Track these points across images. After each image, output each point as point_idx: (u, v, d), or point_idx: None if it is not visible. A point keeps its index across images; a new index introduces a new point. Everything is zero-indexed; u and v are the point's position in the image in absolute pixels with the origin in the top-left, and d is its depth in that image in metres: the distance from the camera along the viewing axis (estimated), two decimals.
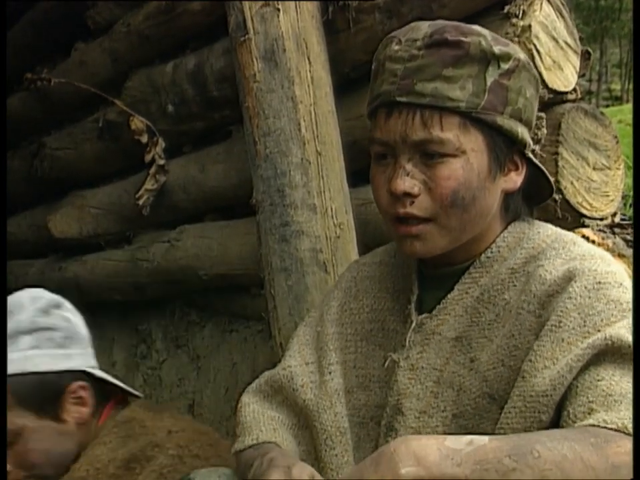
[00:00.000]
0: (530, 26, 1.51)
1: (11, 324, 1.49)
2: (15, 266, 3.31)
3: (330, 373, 1.27)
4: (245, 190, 1.89)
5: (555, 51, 1.55)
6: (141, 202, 2.35)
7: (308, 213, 1.67)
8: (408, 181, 1.09)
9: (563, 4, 1.57)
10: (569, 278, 1.06)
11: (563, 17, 1.57)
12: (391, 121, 1.10)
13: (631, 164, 3.10)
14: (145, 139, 2.35)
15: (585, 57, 1.64)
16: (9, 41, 3.08)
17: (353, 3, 1.77)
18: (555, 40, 1.55)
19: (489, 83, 1.08)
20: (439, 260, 1.18)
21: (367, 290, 1.30)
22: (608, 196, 1.61)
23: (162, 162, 2.34)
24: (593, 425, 0.91)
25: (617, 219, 1.65)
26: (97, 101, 2.60)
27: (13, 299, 1.54)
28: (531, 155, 1.15)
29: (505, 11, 1.55)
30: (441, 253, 1.16)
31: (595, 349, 0.99)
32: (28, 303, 1.52)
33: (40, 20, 2.88)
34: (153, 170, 2.34)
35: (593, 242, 1.59)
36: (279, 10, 1.71)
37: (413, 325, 1.19)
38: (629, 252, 1.62)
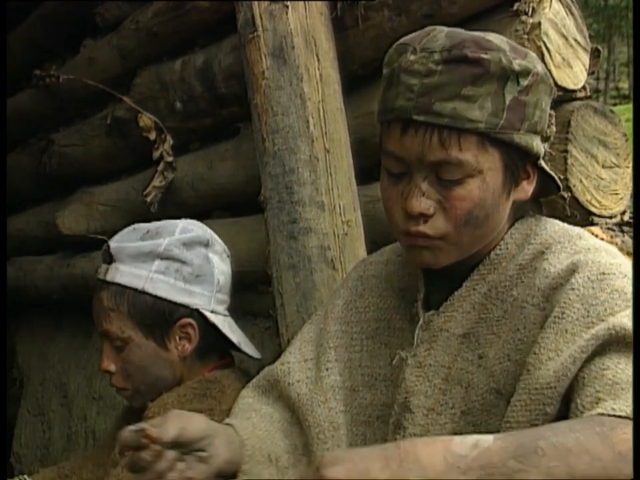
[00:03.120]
0: (539, 23, 1.50)
1: (153, 244, 1.56)
2: (24, 262, 3.32)
3: (327, 369, 1.28)
4: (253, 187, 1.89)
5: (565, 49, 1.55)
6: (148, 199, 2.35)
7: (316, 210, 1.67)
8: (424, 201, 1.08)
9: (572, 1, 1.57)
10: (572, 270, 1.06)
11: (572, 14, 1.56)
12: (407, 139, 1.07)
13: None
14: (153, 135, 2.35)
15: (595, 54, 1.64)
16: (18, 37, 3.09)
17: (362, 0, 1.77)
18: (565, 37, 1.55)
19: (507, 101, 1.06)
20: None
21: (373, 288, 1.31)
22: (617, 194, 1.61)
23: (170, 159, 2.34)
24: (601, 414, 0.91)
25: (626, 217, 1.64)
26: (106, 98, 2.60)
27: (169, 224, 1.62)
28: (543, 164, 1.14)
29: (515, 8, 1.54)
30: None
31: (599, 339, 0.98)
32: (177, 231, 1.58)
33: (49, 17, 2.89)
34: (160, 167, 2.34)
35: (602, 240, 1.59)
36: (287, 7, 1.71)
37: (420, 322, 1.19)
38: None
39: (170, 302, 1.54)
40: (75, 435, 3.03)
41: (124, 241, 1.60)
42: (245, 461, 1.20)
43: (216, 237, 1.65)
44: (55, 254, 3.14)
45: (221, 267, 1.61)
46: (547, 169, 1.16)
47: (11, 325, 3.51)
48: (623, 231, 1.63)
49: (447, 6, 1.62)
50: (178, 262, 1.55)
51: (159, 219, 1.69)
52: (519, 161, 1.11)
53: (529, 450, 0.87)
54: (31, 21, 3.01)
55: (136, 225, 1.65)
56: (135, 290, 1.54)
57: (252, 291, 2.16)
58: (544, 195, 1.25)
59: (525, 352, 1.06)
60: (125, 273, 1.56)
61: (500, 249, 1.16)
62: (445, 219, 1.09)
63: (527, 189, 1.14)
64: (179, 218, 1.85)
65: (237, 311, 2.26)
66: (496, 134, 1.06)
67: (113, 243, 1.60)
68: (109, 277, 1.57)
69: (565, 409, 0.99)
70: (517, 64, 1.06)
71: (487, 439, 0.89)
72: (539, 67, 1.10)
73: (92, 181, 2.88)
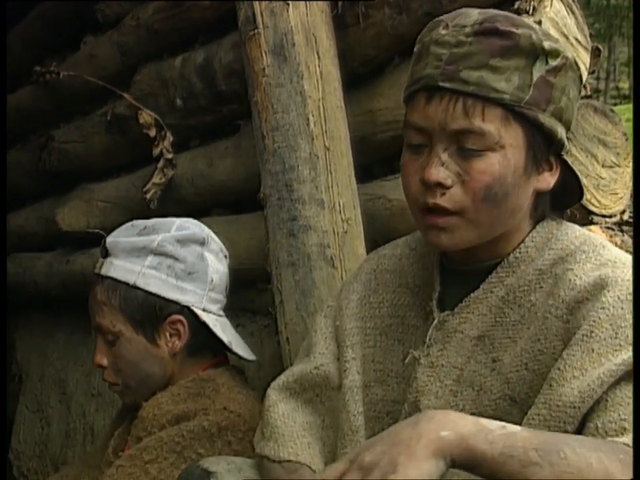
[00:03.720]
0: (540, 22, 1.50)
1: (148, 239, 1.57)
2: (23, 258, 3.32)
3: (345, 370, 1.26)
4: (253, 184, 1.89)
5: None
6: (148, 196, 2.35)
7: (316, 208, 1.67)
8: (442, 171, 1.06)
9: (573, 0, 1.57)
10: (600, 286, 1.04)
11: (573, 13, 1.56)
12: (431, 107, 1.07)
13: None
14: (153, 132, 2.35)
15: (595, 53, 1.64)
16: (19, 34, 3.09)
17: None
18: (565, 36, 1.55)
19: (535, 78, 1.06)
20: (464, 256, 1.17)
21: (387, 284, 1.29)
22: (617, 194, 1.61)
23: (170, 156, 2.34)
24: (626, 444, 0.91)
25: (625, 217, 1.64)
26: (106, 95, 2.60)
27: (167, 221, 1.63)
28: (566, 157, 1.13)
29: (516, 6, 1.54)
30: (466, 249, 1.14)
31: (629, 365, 0.97)
32: (174, 228, 1.60)
33: (49, 13, 2.88)
34: (160, 164, 2.34)
35: None
36: (288, 4, 1.71)
37: (435, 322, 1.18)
38: None
39: (161, 298, 1.55)
40: (73, 432, 3.03)
41: (121, 236, 1.61)
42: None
43: (213, 236, 1.65)
44: (54, 250, 3.14)
45: (215, 266, 1.61)
46: (571, 163, 1.15)
47: (10, 321, 3.51)
48: (622, 230, 1.64)
49: (447, 4, 1.62)
50: (171, 258, 1.56)
51: (158, 216, 1.70)
52: (542, 144, 1.09)
53: (552, 449, 0.87)
54: (32, 17, 3.00)
55: (135, 221, 1.65)
56: (127, 284, 1.55)
57: (251, 288, 2.16)
58: (568, 202, 1.23)
59: (544, 363, 1.06)
60: (118, 268, 1.56)
61: (519, 252, 1.14)
62: (463, 192, 1.07)
63: (549, 180, 1.12)
64: (178, 215, 1.86)
65: (236, 308, 2.26)
66: (521, 108, 1.05)
67: (110, 238, 1.61)
68: (103, 271, 1.58)
69: (580, 426, 0.99)
70: (547, 44, 1.06)
71: (515, 427, 0.90)
72: (569, 54, 1.10)
73: (92, 178, 2.87)
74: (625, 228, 1.64)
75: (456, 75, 1.05)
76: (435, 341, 1.17)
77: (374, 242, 1.72)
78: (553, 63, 1.07)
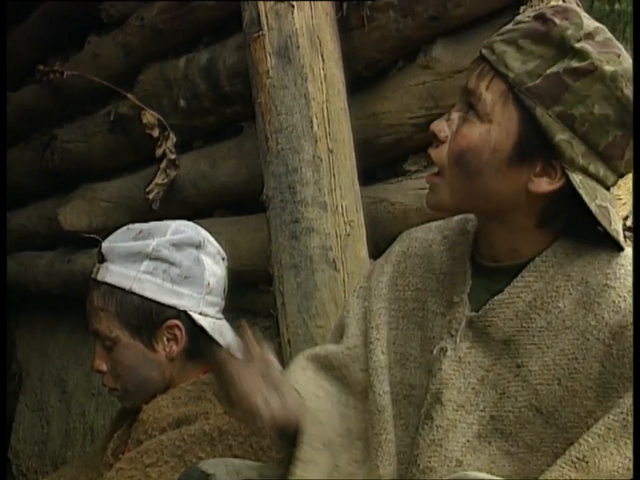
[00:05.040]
0: None
1: (143, 244, 1.56)
2: (25, 257, 3.31)
3: (370, 351, 1.26)
4: (256, 186, 1.88)
5: None
6: (151, 196, 2.35)
7: (318, 210, 1.67)
8: (442, 124, 1.13)
9: (579, 5, 1.56)
10: None
11: None
12: (471, 69, 1.13)
13: None
14: (156, 133, 2.35)
15: None
16: (22, 32, 3.09)
17: (368, 1, 1.77)
18: None
19: (548, 71, 1.05)
20: (488, 251, 1.18)
21: (415, 268, 1.28)
22: (620, 199, 1.61)
23: (173, 156, 2.33)
24: None
25: (628, 222, 1.64)
26: (109, 95, 2.60)
27: (162, 224, 1.62)
28: (572, 176, 1.07)
29: (521, 11, 1.54)
30: (490, 245, 1.17)
31: None
32: (169, 232, 1.58)
33: (53, 12, 2.88)
34: (163, 164, 2.34)
35: None
36: (293, 6, 1.71)
37: (464, 320, 1.17)
38: None
39: (157, 303, 1.54)
40: (73, 431, 3.02)
41: (117, 240, 1.60)
42: (302, 447, 1.18)
43: (210, 238, 1.64)
44: (55, 250, 3.14)
45: (212, 269, 1.60)
46: (576, 186, 1.07)
47: (11, 320, 3.51)
48: (625, 237, 1.63)
49: (452, 8, 1.62)
50: (166, 263, 1.55)
51: (160, 217, 1.70)
52: (537, 142, 1.07)
53: None
54: (36, 16, 3.00)
55: (130, 225, 1.64)
56: (123, 290, 1.54)
57: (253, 290, 2.16)
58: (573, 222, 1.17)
59: (579, 381, 1.05)
60: (114, 273, 1.56)
61: (547, 256, 1.13)
62: (447, 151, 1.12)
63: (545, 187, 1.09)
64: (181, 216, 1.87)
65: (237, 309, 2.26)
66: (519, 92, 1.05)
67: (105, 243, 1.60)
68: (99, 277, 1.58)
69: None
70: (580, 44, 1.04)
71: None
72: (608, 67, 1.04)
73: (94, 178, 2.87)
74: (627, 234, 1.63)
75: (492, 45, 1.09)
76: (464, 337, 1.16)
77: (376, 245, 1.72)
78: (575, 64, 1.04)
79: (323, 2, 1.75)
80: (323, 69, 1.71)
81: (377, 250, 1.71)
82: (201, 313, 1.57)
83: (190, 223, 1.66)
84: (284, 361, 1.72)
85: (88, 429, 2.94)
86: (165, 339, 1.55)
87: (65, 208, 2.88)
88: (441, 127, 1.13)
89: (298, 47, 1.70)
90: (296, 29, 1.70)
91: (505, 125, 1.07)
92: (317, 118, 1.69)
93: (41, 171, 3.07)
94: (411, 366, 1.24)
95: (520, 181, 1.10)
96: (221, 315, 1.64)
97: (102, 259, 1.59)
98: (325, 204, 1.67)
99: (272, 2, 1.72)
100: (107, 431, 1.77)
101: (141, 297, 1.54)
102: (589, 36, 1.06)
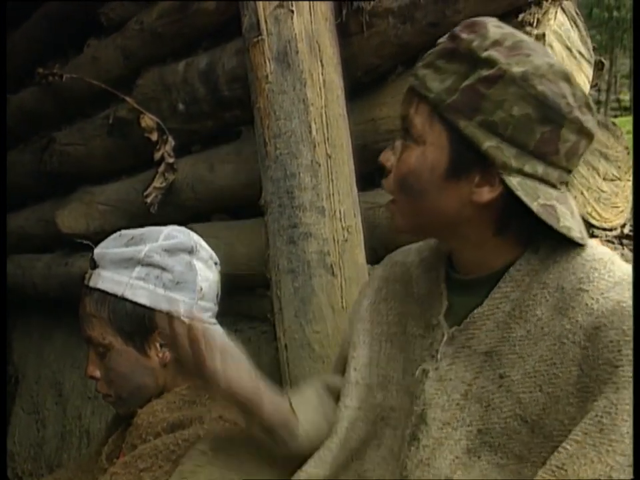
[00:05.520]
0: (544, 34, 1.50)
1: (135, 250, 1.55)
2: (22, 259, 3.32)
3: (349, 365, 1.32)
4: (254, 190, 1.89)
5: (568, 60, 1.55)
6: (149, 200, 2.35)
7: (316, 216, 1.67)
8: (388, 153, 1.17)
9: (577, 13, 1.57)
10: (620, 313, 1.03)
11: (577, 26, 1.57)
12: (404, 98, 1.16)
13: None
14: (154, 136, 2.35)
15: (598, 67, 1.64)
16: (22, 35, 3.09)
17: (367, 6, 1.77)
18: (569, 49, 1.55)
19: (463, 84, 1.07)
20: (462, 265, 1.20)
21: (395, 293, 1.31)
22: (617, 207, 1.61)
23: (171, 160, 2.34)
24: None
25: (626, 230, 1.64)
26: (108, 98, 2.60)
27: (154, 230, 1.61)
28: (509, 179, 1.07)
29: (520, 19, 1.55)
30: (464, 261, 1.19)
31: None
32: (161, 237, 1.58)
33: (53, 15, 2.89)
34: (161, 168, 2.34)
35: None
36: (292, 11, 1.71)
37: (445, 337, 1.18)
38: None
39: (149, 309, 1.53)
40: (69, 434, 3.02)
41: (109, 247, 1.60)
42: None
43: (203, 243, 1.63)
44: (53, 252, 3.14)
45: (205, 274, 1.59)
46: (513, 189, 1.07)
47: (8, 322, 3.50)
48: (622, 244, 1.63)
49: (451, 15, 1.62)
50: (158, 268, 1.54)
51: (158, 221, 1.70)
52: (468, 154, 1.08)
53: None
54: (36, 19, 3.01)
55: (123, 231, 1.64)
56: (115, 296, 1.53)
57: (250, 295, 2.16)
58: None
59: (559, 386, 1.05)
60: (106, 279, 1.55)
61: (521, 265, 1.13)
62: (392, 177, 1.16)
63: (487, 195, 1.09)
64: (178, 219, 1.87)
65: (234, 314, 2.26)
66: (441, 110, 1.08)
67: (98, 249, 1.60)
68: (92, 283, 1.57)
69: None
70: (487, 54, 1.06)
71: None
72: (517, 69, 1.05)
73: (92, 181, 2.87)
74: (625, 241, 1.63)
75: (416, 71, 1.13)
76: (444, 355, 1.18)
77: (374, 250, 1.72)
78: (484, 72, 1.06)
79: (322, 7, 1.75)
80: (322, 74, 1.72)
81: (374, 255, 1.72)
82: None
83: (182, 228, 1.65)
84: (281, 366, 1.73)
85: (84, 432, 2.93)
86: (157, 345, 1.55)
87: (62, 211, 2.88)
88: (387, 157, 1.18)
89: (297, 52, 1.70)
90: (295, 34, 1.71)
91: (436, 143, 1.10)
92: (315, 123, 1.69)
93: (39, 174, 3.07)
94: (392, 388, 1.25)
95: (463, 194, 1.11)
96: (214, 320, 1.63)
97: (94, 265, 1.58)
98: (323, 209, 1.67)
99: (271, 7, 1.72)
100: (103, 434, 1.76)
101: (134, 303, 1.53)
102: (496, 43, 1.07)
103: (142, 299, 1.53)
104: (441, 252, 1.27)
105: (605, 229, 1.59)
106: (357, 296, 1.43)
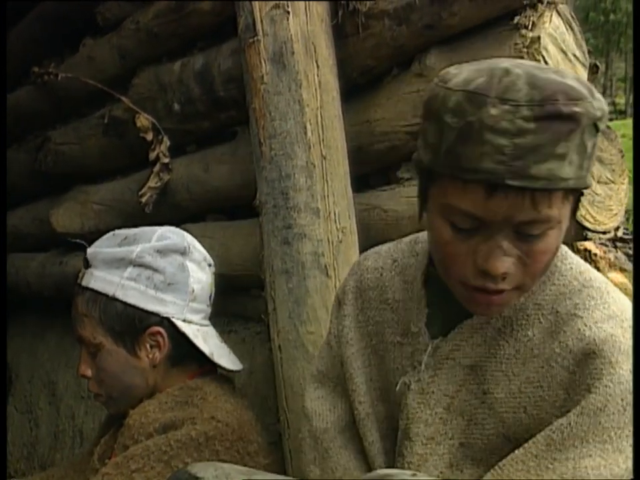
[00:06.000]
0: (539, 37, 1.51)
1: (127, 250, 1.55)
2: (17, 259, 3.31)
3: (353, 400, 1.29)
4: (249, 191, 1.89)
5: (563, 64, 1.55)
6: (143, 199, 2.35)
7: (311, 216, 1.67)
8: (507, 261, 1.00)
9: (573, 17, 1.57)
10: (611, 345, 1.02)
11: (572, 29, 1.57)
12: (494, 201, 0.97)
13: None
14: (150, 136, 2.35)
15: (593, 70, 1.64)
16: (17, 34, 3.09)
17: (363, 8, 1.77)
18: (564, 52, 1.55)
19: (588, 149, 0.98)
20: None
21: (370, 301, 1.28)
22: (611, 210, 1.61)
23: (166, 160, 2.33)
24: None
25: (619, 233, 1.65)
26: (103, 97, 2.60)
27: (148, 230, 1.61)
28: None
29: (515, 21, 1.55)
30: None
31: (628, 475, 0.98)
32: (154, 238, 1.57)
33: (49, 14, 2.88)
34: (157, 168, 2.34)
35: (595, 255, 1.59)
36: (288, 12, 1.71)
37: (429, 349, 1.16)
38: (630, 266, 1.62)
39: (140, 309, 1.53)
40: (62, 434, 3.01)
41: (102, 246, 1.60)
42: None
43: (197, 244, 1.63)
44: (48, 252, 3.14)
45: (197, 275, 1.59)
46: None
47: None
48: (616, 247, 1.64)
49: (447, 17, 1.62)
50: (150, 269, 1.54)
51: (153, 221, 1.69)
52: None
53: None
54: (31, 18, 3.00)
55: (117, 231, 1.64)
56: (107, 296, 1.54)
57: (244, 295, 2.16)
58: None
59: (544, 409, 1.05)
60: (98, 279, 1.55)
61: None
62: (524, 272, 1.02)
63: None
64: (173, 220, 1.87)
65: (228, 314, 2.26)
66: (580, 186, 1.00)
67: (91, 248, 1.60)
68: (84, 282, 1.57)
69: None
70: (597, 109, 0.97)
71: None
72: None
73: (87, 180, 2.87)
74: (618, 244, 1.64)
75: (525, 171, 0.94)
76: (426, 367, 1.16)
77: None
78: (602, 125, 0.99)
79: (318, 8, 1.75)
80: (318, 75, 1.72)
81: None
82: (184, 320, 1.56)
83: (176, 229, 1.65)
84: (274, 367, 1.73)
85: (77, 432, 2.93)
86: (147, 346, 1.55)
87: (57, 210, 2.88)
88: (508, 264, 1.02)
89: (293, 53, 1.70)
90: (291, 35, 1.71)
91: (569, 212, 1.04)
92: (310, 124, 1.69)
93: (34, 173, 3.07)
94: (392, 400, 1.24)
95: None
96: (206, 322, 1.63)
97: (87, 264, 1.58)
98: (318, 210, 1.67)
99: (267, 8, 1.72)
100: (96, 435, 1.76)
101: (124, 303, 1.53)
102: (589, 89, 1.00)
103: (133, 299, 1.53)
104: (417, 254, 1.24)
105: (598, 232, 1.59)
106: (333, 306, 1.38)
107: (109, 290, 1.54)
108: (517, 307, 1.11)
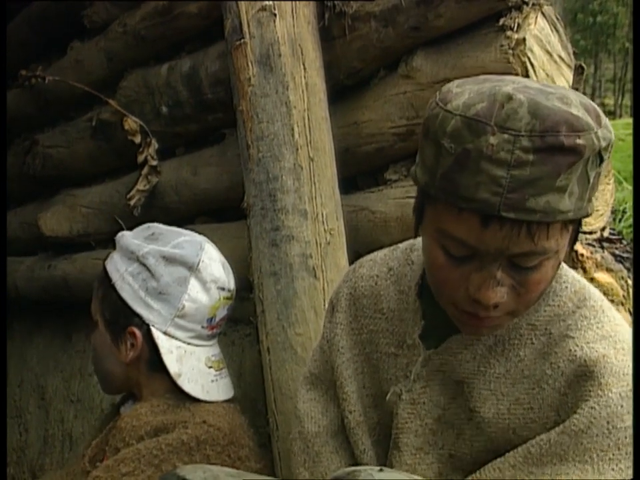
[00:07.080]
0: (524, 39, 1.51)
1: (140, 246, 1.56)
2: None
3: (344, 410, 1.28)
4: (237, 193, 1.89)
5: (549, 65, 1.56)
6: (132, 202, 2.35)
7: (299, 218, 1.67)
8: (499, 291, 0.98)
9: (557, 18, 1.58)
10: (602, 367, 1.01)
11: (557, 31, 1.58)
12: (489, 232, 0.94)
13: (620, 178, 3.12)
14: (138, 139, 2.35)
15: (578, 71, 1.65)
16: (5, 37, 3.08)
17: (349, 10, 1.77)
18: (549, 54, 1.56)
19: (591, 180, 0.94)
20: None
21: (364, 309, 1.26)
22: (597, 210, 1.62)
23: (154, 163, 2.33)
24: None
25: (605, 234, 1.65)
26: (91, 100, 2.59)
27: (175, 233, 1.61)
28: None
29: (500, 23, 1.55)
30: None
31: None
32: (171, 244, 1.56)
33: (36, 17, 2.88)
34: (145, 171, 2.34)
35: (582, 255, 1.60)
36: (275, 15, 1.72)
37: (421, 359, 1.15)
38: (617, 266, 1.63)
39: (128, 306, 1.54)
40: (51, 438, 3.00)
41: (131, 234, 1.62)
42: None
43: (214, 266, 1.57)
44: (36, 255, 3.13)
45: (197, 295, 1.54)
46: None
47: None
48: (602, 247, 1.65)
49: (433, 19, 1.63)
50: (148, 272, 1.54)
51: (141, 223, 1.69)
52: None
53: None
54: (18, 21, 2.99)
55: (153, 224, 1.65)
56: (110, 282, 1.57)
57: None
58: None
59: (535, 431, 1.04)
60: (112, 262, 1.59)
61: None
62: (516, 300, 1.00)
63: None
64: (162, 222, 1.86)
65: None
66: (579, 216, 0.97)
67: (122, 232, 1.63)
68: (107, 260, 1.62)
69: None
70: (602, 139, 0.93)
71: None
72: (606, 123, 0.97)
73: (75, 183, 2.87)
74: (605, 245, 1.65)
75: (521, 204, 0.91)
76: (418, 377, 1.15)
77: (356, 253, 1.72)
78: (606, 155, 0.95)
79: (305, 10, 1.76)
80: (305, 77, 1.72)
81: (357, 258, 1.71)
82: (165, 332, 1.53)
83: (199, 240, 1.60)
84: (263, 369, 1.72)
85: (67, 436, 2.92)
86: (127, 342, 1.55)
87: (45, 213, 2.87)
88: (501, 294, 1.00)
89: (280, 56, 1.71)
90: (278, 37, 1.71)
91: (566, 241, 1.01)
92: (298, 126, 1.69)
93: (21, 176, 3.06)
94: (385, 408, 1.23)
95: None
96: (198, 342, 1.58)
97: (114, 245, 1.63)
98: (306, 212, 1.67)
99: (254, 10, 1.72)
100: (89, 437, 1.77)
101: (118, 295, 1.55)
102: (595, 116, 0.96)
103: (125, 294, 1.55)
104: (412, 263, 1.22)
105: (585, 233, 1.60)
106: (326, 310, 1.37)
107: (114, 277, 1.57)
108: (511, 326, 1.09)
